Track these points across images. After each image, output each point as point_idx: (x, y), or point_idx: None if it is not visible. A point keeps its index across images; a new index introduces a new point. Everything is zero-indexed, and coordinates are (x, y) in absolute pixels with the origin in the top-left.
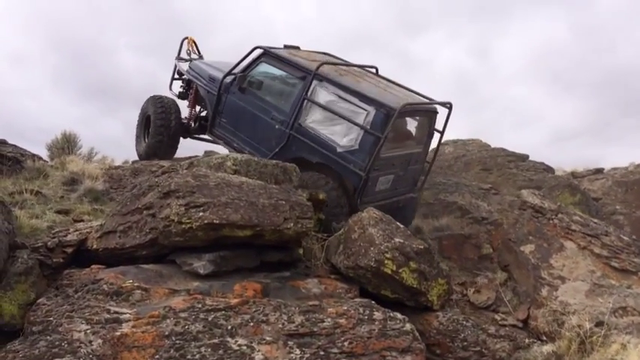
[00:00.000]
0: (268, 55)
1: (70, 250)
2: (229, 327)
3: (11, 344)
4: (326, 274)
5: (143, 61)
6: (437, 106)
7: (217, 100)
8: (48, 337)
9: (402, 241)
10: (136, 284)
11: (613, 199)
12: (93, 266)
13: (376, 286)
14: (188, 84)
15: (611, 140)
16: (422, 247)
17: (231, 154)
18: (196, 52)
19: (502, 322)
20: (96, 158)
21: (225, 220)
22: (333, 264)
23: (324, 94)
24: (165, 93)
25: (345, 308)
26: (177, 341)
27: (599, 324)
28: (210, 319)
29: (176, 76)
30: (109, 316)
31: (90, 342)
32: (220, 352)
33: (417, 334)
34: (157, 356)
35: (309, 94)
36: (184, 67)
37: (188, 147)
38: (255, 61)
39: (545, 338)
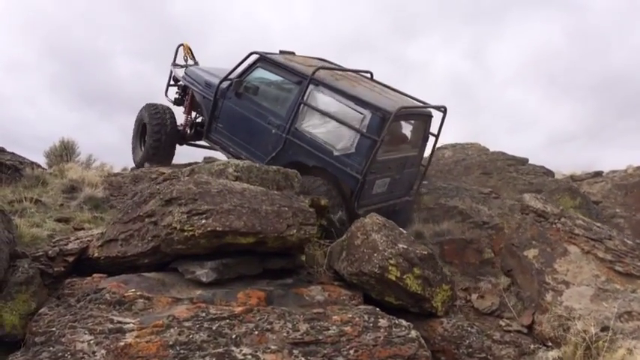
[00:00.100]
0: (264, 60)
1: (71, 258)
2: (234, 336)
3: (13, 356)
4: (329, 280)
5: (140, 67)
6: (432, 110)
7: (213, 106)
8: (51, 348)
9: (405, 247)
10: (138, 293)
11: (613, 202)
12: (94, 275)
13: (380, 293)
14: (184, 90)
15: (607, 142)
16: (425, 252)
17: (233, 161)
18: (192, 58)
19: (507, 327)
20: (94, 165)
21: (228, 228)
22: (336, 270)
23: (320, 99)
24: (162, 99)
25: (350, 316)
26: (182, 351)
27: (604, 329)
28: (214, 328)
29: (172, 82)
30: (112, 326)
31: (93, 353)
32: None
33: (423, 341)
34: None
35: (305, 98)
36: (180, 73)
37: (185, 154)
38: (252, 67)
39: (550, 344)
